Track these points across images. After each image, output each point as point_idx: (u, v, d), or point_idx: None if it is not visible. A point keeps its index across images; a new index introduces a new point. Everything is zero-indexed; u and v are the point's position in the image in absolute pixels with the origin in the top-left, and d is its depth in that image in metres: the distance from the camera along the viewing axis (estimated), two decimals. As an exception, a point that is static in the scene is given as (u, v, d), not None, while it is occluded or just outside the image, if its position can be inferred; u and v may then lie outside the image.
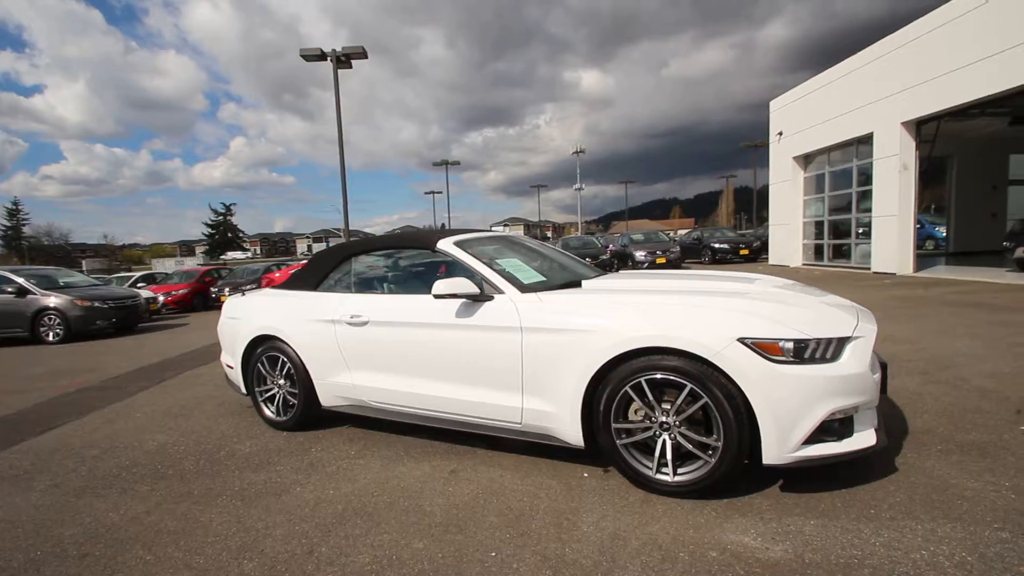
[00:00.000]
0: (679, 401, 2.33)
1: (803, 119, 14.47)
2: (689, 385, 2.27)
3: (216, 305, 15.40)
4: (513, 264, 3.24)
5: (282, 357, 3.59)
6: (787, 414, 2.15)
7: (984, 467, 2.49)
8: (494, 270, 2.99)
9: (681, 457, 2.39)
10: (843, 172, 13.53)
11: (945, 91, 9.77)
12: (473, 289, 2.81)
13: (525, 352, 2.66)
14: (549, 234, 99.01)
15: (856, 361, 2.25)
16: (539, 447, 2.92)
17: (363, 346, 3.26)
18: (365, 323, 3.24)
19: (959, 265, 12.28)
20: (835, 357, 2.24)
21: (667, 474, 2.38)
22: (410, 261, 3.62)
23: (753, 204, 47.89)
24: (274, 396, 3.73)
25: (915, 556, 1.86)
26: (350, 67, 17.76)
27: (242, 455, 3.27)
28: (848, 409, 2.21)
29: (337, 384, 3.40)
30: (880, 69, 11.36)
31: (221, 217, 70.95)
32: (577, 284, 3.10)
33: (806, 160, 15.09)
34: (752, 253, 19.02)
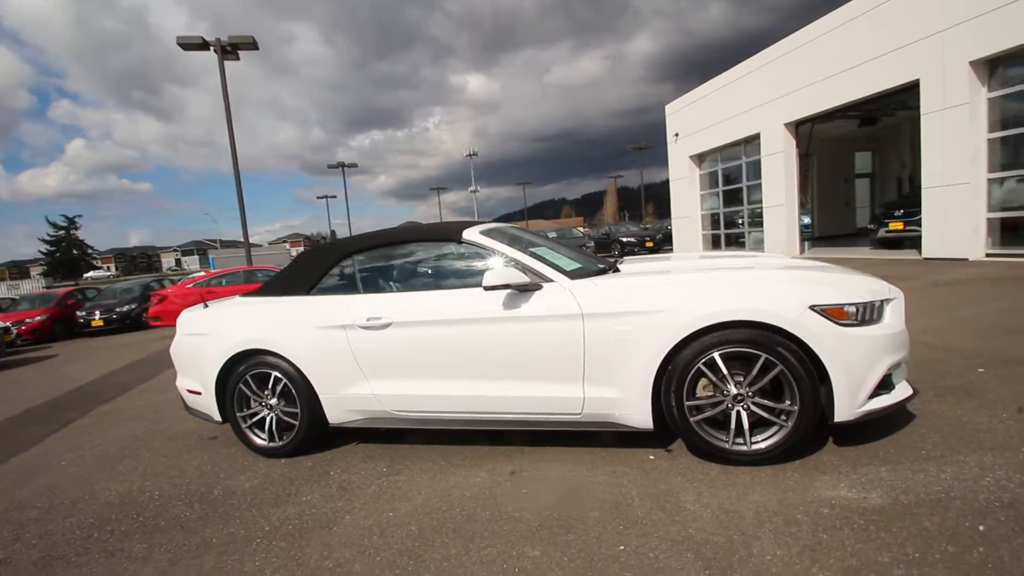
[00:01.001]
0: (754, 372, 2.40)
1: (697, 121, 15.92)
2: (763, 356, 2.35)
3: (87, 332, 13.09)
4: (544, 252, 3.13)
5: (274, 374, 3.12)
6: (857, 373, 2.31)
7: (976, 405, 2.90)
8: (535, 258, 2.87)
9: (752, 426, 2.47)
10: (735, 168, 15.13)
11: (818, 97, 11.35)
12: (524, 279, 2.66)
13: (588, 339, 2.57)
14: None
15: (897, 320, 2.49)
16: (573, 435, 2.87)
17: (385, 351, 2.93)
18: (386, 326, 2.91)
19: (828, 247, 14.31)
20: (880, 318, 2.46)
21: (743, 444, 2.45)
22: (427, 255, 3.33)
23: (642, 201, 51.65)
24: (263, 420, 3.23)
25: (984, 483, 2.09)
26: (237, 58, 16.17)
27: (246, 491, 2.79)
28: (899, 363, 2.44)
29: (351, 397, 3.02)
30: (765, 76, 12.87)
31: (63, 232, 60.19)
32: (613, 269, 3.08)
33: (701, 159, 16.63)
34: (656, 245, 20.50)
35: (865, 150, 17.51)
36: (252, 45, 15.77)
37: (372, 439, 3.34)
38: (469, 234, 3.02)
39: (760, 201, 13.67)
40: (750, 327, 2.36)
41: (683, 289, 2.53)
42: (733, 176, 15.26)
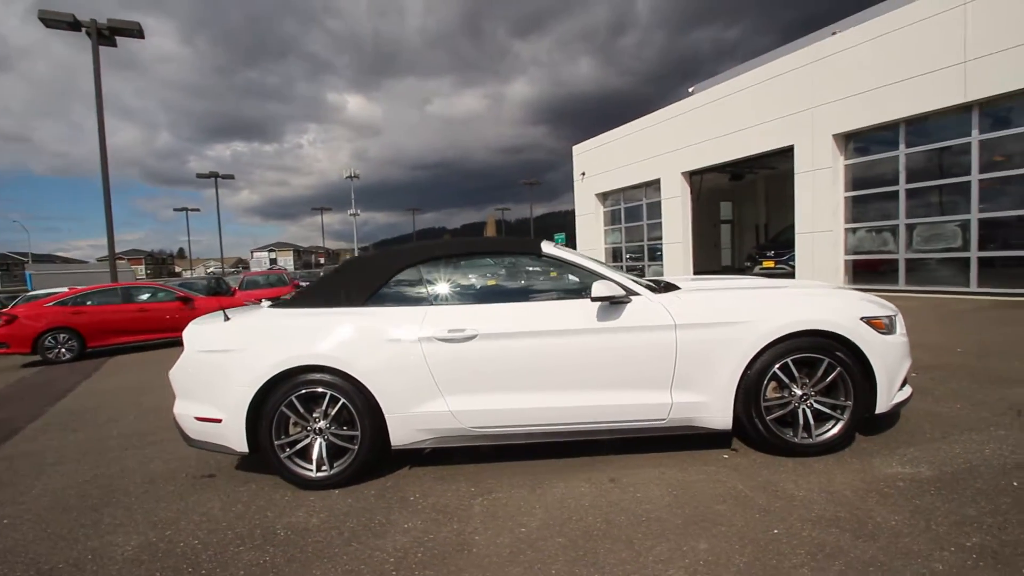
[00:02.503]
0: (818, 374, 2.82)
1: (603, 163, 17.48)
2: (827, 360, 2.80)
3: None
4: (610, 269, 3.33)
5: (330, 393, 2.84)
6: (892, 373, 2.85)
7: (940, 395, 3.68)
8: (616, 272, 3.06)
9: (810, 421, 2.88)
10: (636, 208, 16.83)
11: (712, 152, 13.29)
12: (621, 291, 2.83)
13: (680, 348, 2.81)
14: (323, 260, 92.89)
15: (903, 330, 3.12)
16: (635, 442, 3.11)
17: (468, 365, 2.85)
18: (470, 338, 2.85)
19: (712, 281, 16.45)
20: (896, 328, 3.07)
21: (808, 438, 2.84)
22: (503, 267, 3.32)
23: (531, 232, 54.07)
24: (307, 447, 2.91)
25: (988, 453, 2.71)
26: (114, 44, 14.15)
27: (320, 526, 2.49)
28: (910, 365, 3.05)
29: (423, 415, 2.86)
30: (666, 130, 14.68)
31: None
32: (674, 287, 3.36)
33: (605, 197, 18.20)
34: (559, 275, 21.71)
35: (728, 200, 20.65)
36: (137, 33, 13.98)
37: (422, 462, 3.17)
38: (547, 248, 3.12)
39: (659, 238, 15.35)
40: (815, 335, 2.80)
41: (761, 303, 2.91)
42: (635, 214, 16.94)
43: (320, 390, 2.85)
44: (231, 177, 39.10)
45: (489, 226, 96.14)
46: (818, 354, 2.80)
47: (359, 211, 54.82)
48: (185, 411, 3.02)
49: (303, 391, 2.85)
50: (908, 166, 9.55)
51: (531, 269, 3.26)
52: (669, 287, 3.29)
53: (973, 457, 2.69)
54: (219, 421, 2.89)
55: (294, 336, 2.93)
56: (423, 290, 3.12)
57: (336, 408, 2.85)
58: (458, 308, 2.99)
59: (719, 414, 2.84)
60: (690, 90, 20.90)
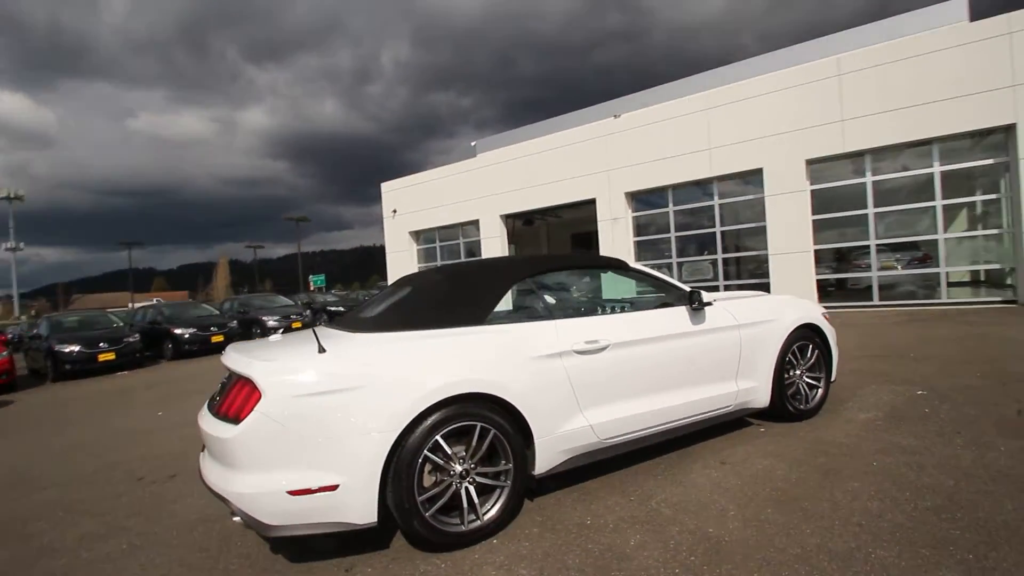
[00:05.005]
0: (808, 355, 3.88)
1: (416, 202, 17.83)
2: (811, 344, 3.89)
3: None
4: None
5: (480, 425, 2.52)
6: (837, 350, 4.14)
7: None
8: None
9: (795, 394, 3.89)
10: (453, 246, 17.60)
11: (529, 198, 15.17)
12: (712, 299, 3.41)
13: (743, 343, 3.52)
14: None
15: (821, 324, 4.53)
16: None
17: (603, 376, 2.94)
18: (603, 348, 2.98)
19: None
20: (820, 323, 4.42)
21: (805, 405, 3.86)
22: (596, 281, 3.44)
23: (300, 274, 48.93)
24: (447, 497, 2.46)
25: (912, 397, 4.20)
26: None
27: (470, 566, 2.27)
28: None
29: (566, 434, 2.79)
30: (483, 176, 16.03)
31: None
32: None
33: (419, 235, 18.46)
34: (364, 315, 20.69)
35: (512, 243, 23.36)
36: None
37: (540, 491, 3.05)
38: (630, 263, 3.49)
39: (480, 274, 16.46)
40: (808, 328, 3.87)
41: (775, 305, 3.85)
42: (451, 253, 17.69)
43: (470, 423, 2.51)
44: None
45: (221, 267, 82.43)
46: (809, 341, 3.87)
47: (22, 245, 39.87)
48: (263, 488, 2.22)
49: (452, 426, 2.46)
50: (676, 220, 12.90)
51: (609, 283, 3.54)
52: None
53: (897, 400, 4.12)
54: (333, 488, 2.24)
55: (431, 362, 2.53)
56: (540, 304, 3.07)
57: (486, 442, 2.55)
58: (581, 320, 3.05)
59: (763, 395, 3.62)
60: (472, 144, 23.21)
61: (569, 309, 3.23)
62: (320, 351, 2.38)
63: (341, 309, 20.41)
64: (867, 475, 2.83)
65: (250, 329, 15.92)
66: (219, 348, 14.05)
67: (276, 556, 2.55)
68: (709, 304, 3.41)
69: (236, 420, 2.23)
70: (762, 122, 11.27)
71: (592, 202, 13.97)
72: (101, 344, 11.32)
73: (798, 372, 3.84)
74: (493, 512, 2.53)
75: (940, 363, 5.33)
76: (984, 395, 4.07)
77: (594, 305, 3.52)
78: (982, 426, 3.39)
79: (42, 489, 4.00)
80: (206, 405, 2.77)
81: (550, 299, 3.15)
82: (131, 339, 11.94)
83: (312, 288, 30.48)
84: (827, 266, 11.42)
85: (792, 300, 4.16)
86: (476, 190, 16.18)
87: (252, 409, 2.20)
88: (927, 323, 8.06)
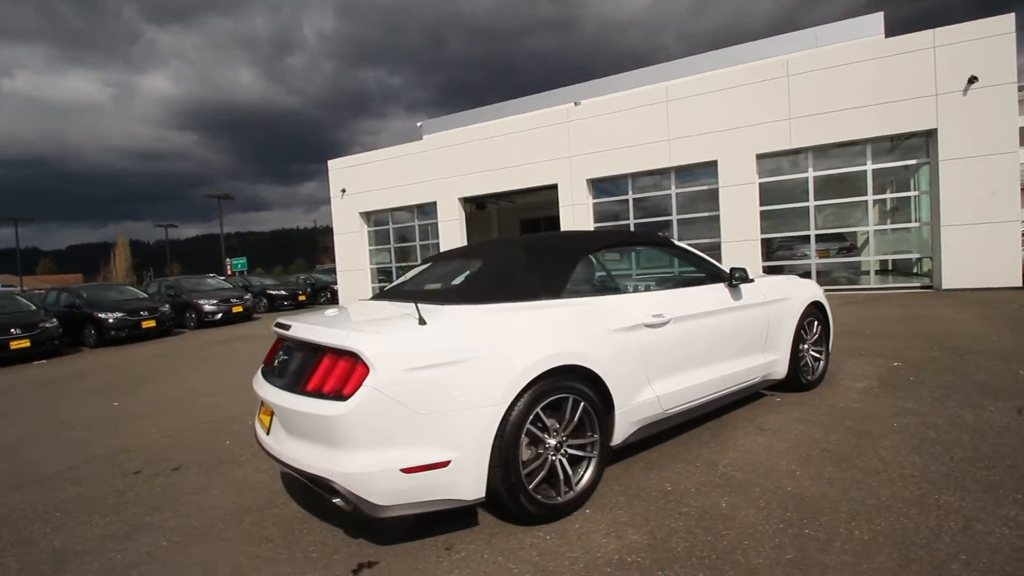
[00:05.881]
0: (815, 329, 4.22)
1: (367, 182, 17.06)
2: (816, 320, 4.23)
3: None
4: None
5: (572, 398, 2.54)
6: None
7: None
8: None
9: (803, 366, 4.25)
10: (408, 229, 17.09)
11: (488, 182, 15.01)
12: (753, 276, 3.60)
13: (770, 319, 3.76)
14: None
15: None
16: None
17: (667, 348, 3.04)
18: (666, 322, 3.07)
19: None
20: (813, 301, 4.81)
21: (812, 376, 4.20)
22: (648, 257, 3.49)
23: (222, 250, 45.09)
24: (543, 470, 2.46)
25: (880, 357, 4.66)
26: None
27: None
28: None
29: (638, 406, 2.87)
30: (443, 156, 15.62)
31: None
32: None
33: (370, 216, 17.71)
34: (308, 298, 19.63)
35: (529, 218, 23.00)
36: None
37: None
38: (675, 241, 3.59)
39: (437, 258, 16.13)
40: (815, 305, 4.20)
41: (793, 284, 4.12)
42: (407, 235, 17.17)
43: (563, 395, 2.51)
44: None
45: (120, 248, 74.16)
46: (815, 317, 4.20)
47: None
48: (376, 466, 2.10)
49: (549, 399, 2.45)
50: (635, 207, 13.34)
51: (671, 258, 3.63)
52: None
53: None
54: (445, 465, 2.17)
55: (530, 334, 2.50)
56: (605, 278, 3.10)
57: (577, 414, 2.57)
58: (645, 295, 3.14)
59: (782, 367, 3.89)
60: (419, 124, 22.61)
61: (628, 284, 3.28)
62: (421, 323, 2.25)
63: (283, 293, 19.28)
64: (895, 434, 3.14)
65: (183, 314, 14.65)
66: (150, 335, 13.08)
67: (356, 540, 2.41)
68: (752, 281, 3.59)
69: (340, 396, 2.07)
70: (718, 116, 11.87)
71: (551, 188, 14.09)
72: (13, 330, 9.92)
73: (806, 346, 4.15)
74: (584, 482, 2.55)
75: (896, 339, 5.97)
76: (949, 364, 4.62)
77: (646, 280, 3.62)
78: (965, 390, 3.86)
79: (14, 489, 3.48)
80: (266, 381, 2.56)
81: (612, 274, 3.19)
82: (47, 324, 10.56)
83: (232, 272, 28.36)
84: (772, 254, 12.34)
85: (799, 280, 4.48)
86: (433, 171, 15.77)
87: (360, 384, 2.05)
88: (865, 305, 8.97)
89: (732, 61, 15.12)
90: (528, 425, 2.36)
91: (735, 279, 3.50)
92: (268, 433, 2.47)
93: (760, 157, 11.71)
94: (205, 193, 44.08)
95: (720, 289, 3.50)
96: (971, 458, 2.75)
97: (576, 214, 13.73)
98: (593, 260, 3.14)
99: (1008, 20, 9.40)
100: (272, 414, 2.46)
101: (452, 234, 15.70)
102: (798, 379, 4.00)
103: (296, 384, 2.29)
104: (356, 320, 2.52)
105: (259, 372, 2.91)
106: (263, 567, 2.27)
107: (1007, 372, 4.24)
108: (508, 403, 2.26)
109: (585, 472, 2.58)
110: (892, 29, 13.96)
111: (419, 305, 2.39)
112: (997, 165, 9.58)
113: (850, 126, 10.69)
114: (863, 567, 1.92)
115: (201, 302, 14.60)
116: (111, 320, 11.92)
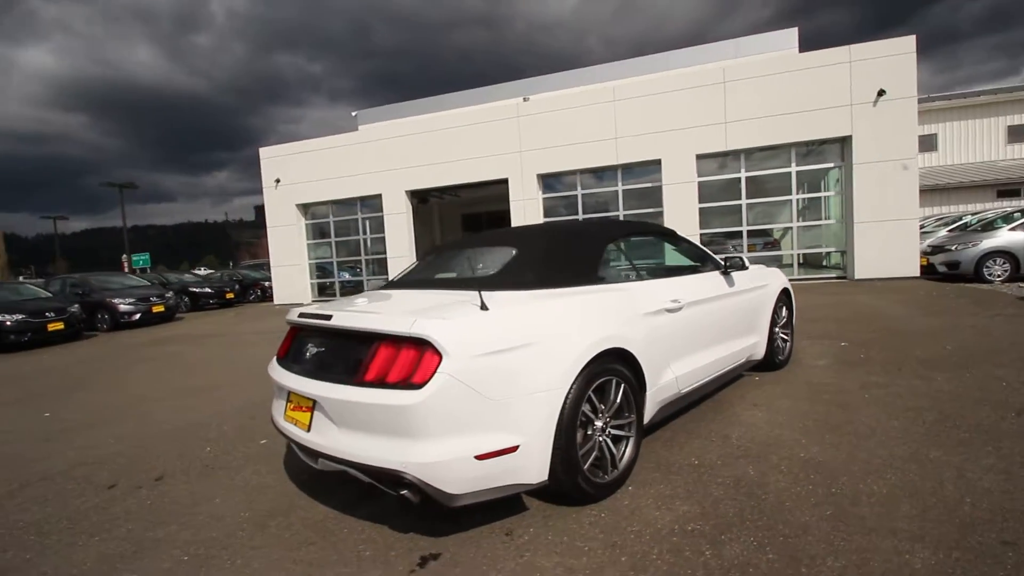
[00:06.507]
0: (784, 315, 4.62)
1: (304, 172, 16.16)
2: (784, 305, 4.64)
3: None
4: None
5: (614, 380, 2.64)
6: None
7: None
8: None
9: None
10: (351, 222, 16.39)
11: (436, 175, 14.75)
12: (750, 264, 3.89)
13: (754, 304, 4.08)
14: None
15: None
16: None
17: (683, 331, 3.23)
18: (681, 307, 3.25)
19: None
20: (776, 289, 5.26)
21: (782, 356, 4.60)
22: (656, 247, 3.62)
23: (126, 244, 40.64)
24: (592, 451, 2.54)
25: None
26: None
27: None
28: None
29: (662, 386, 3.03)
30: (385, 148, 15.12)
31: None
32: None
33: (307, 208, 16.80)
34: (236, 296, 18.29)
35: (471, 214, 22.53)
36: None
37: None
38: (678, 232, 3.79)
39: (383, 252, 15.63)
40: (784, 291, 4.60)
41: (766, 273, 4.48)
42: (350, 228, 16.48)
43: (608, 377, 2.61)
44: None
45: (-2, 243, 65.30)
46: (784, 303, 4.60)
47: None
48: (451, 455, 2.08)
49: (598, 381, 2.53)
50: (583, 203, 13.72)
51: (676, 248, 3.81)
52: None
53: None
54: (514, 450, 2.20)
55: (582, 319, 2.58)
56: (629, 265, 3.22)
57: (619, 395, 2.67)
58: (662, 281, 3.31)
59: (762, 349, 4.24)
60: (354, 114, 21.85)
61: (644, 271, 3.42)
62: (483, 308, 2.23)
63: (209, 291, 17.84)
64: (871, 404, 3.53)
65: (93, 316, 13.15)
66: (57, 339, 11.61)
67: (407, 534, 2.34)
68: (747, 268, 3.88)
69: (411, 385, 2.00)
70: (662, 117, 12.50)
71: (501, 182, 14.15)
72: None
73: (777, 329, 4.54)
74: (625, 460, 2.65)
75: (834, 323, 6.64)
76: (888, 343, 5.24)
77: (655, 268, 3.81)
78: (911, 364, 4.41)
79: (-40, 515, 3.00)
80: (297, 374, 2.42)
81: (633, 262, 3.32)
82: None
83: (133, 270, 25.77)
84: (710, 248, 13.20)
85: (768, 269, 4.88)
86: (376, 163, 15.26)
87: (434, 372, 2.00)
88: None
89: (663, 67, 16.02)
90: (582, 408, 2.42)
91: (729, 266, 3.77)
92: (309, 430, 2.33)
93: (700, 157, 12.48)
94: (102, 182, 39.41)
95: (717, 276, 3.75)
96: (939, 419, 3.16)
97: (527, 209, 13.89)
98: (615, 248, 3.26)
99: (910, 41, 10.71)
100: (311, 409, 2.32)
101: (399, 228, 15.31)
102: (772, 359, 4.37)
103: (350, 375, 2.18)
104: (410, 307, 2.44)
105: (275, 364, 2.74)
106: (315, 571, 2.15)
107: (937, 347, 4.89)
108: (568, 386, 2.31)
109: (625, 451, 2.68)
110: (802, 44, 15.49)
111: (481, 292, 2.36)
112: (900, 169, 10.89)
113: (777, 131, 11.68)
114: (895, 515, 2.18)
115: (116, 301, 13.17)
116: (9, 323, 10.45)
